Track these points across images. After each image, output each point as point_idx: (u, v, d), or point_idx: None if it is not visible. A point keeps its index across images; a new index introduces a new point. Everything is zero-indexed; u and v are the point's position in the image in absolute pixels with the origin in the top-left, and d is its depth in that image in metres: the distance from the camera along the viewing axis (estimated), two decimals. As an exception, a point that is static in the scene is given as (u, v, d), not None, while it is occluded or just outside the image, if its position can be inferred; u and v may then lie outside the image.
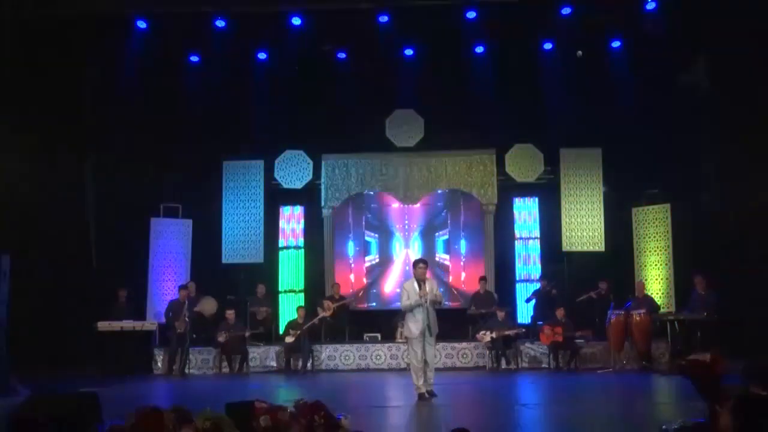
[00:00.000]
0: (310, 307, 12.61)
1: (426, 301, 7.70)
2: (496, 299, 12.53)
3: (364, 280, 13.67)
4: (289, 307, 13.44)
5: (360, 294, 13.78)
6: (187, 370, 11.51)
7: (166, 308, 11.95)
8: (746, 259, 11.01)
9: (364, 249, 14.00)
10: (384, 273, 13.94)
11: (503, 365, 11.55)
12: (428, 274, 8.16)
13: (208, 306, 12.26)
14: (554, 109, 12.66)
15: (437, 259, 13.87)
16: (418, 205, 13.80)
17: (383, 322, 13.13)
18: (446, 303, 13.75)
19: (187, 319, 11.43)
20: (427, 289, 7.79)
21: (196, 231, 13.26)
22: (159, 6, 11.38)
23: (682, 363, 4.79)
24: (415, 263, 8.11)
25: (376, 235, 14.03)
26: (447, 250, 13.92)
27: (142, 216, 12.86)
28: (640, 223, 12.91)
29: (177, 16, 11.62)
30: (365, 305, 13.83)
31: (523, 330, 11.97)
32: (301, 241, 13.91)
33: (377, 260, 13.99)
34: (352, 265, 13.93)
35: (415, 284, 7.82)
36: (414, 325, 7.78)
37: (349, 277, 13.84)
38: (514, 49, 12.77)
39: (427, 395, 7.73)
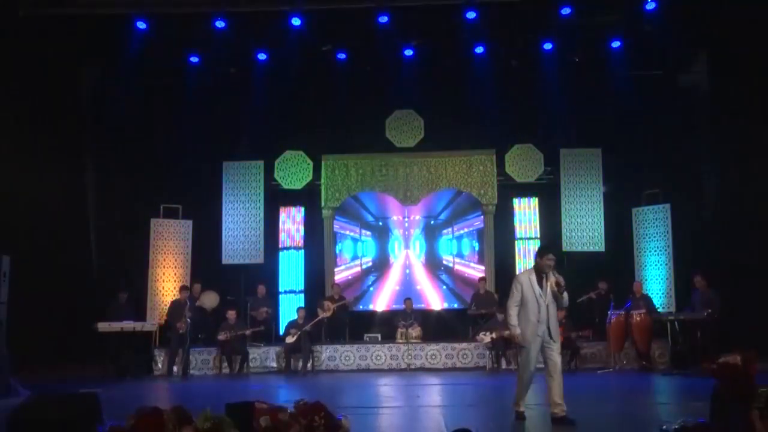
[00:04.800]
0: (310, 308, 12.62)
1: (545, 300, 6.22)
2: (496, 299, 12.53)
3: (335, 278, 13.59)
4: (290, 308, 13.44)
5: (357, 297, 13.80)
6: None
7: (168, 308, 11.95)
8: (746, 259, 11.00)
9: (361, 249, 14.03)
10: (383, 274, 13.94)
11: (503, 365, 11.55)
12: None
13: (208, 300, 12.30)
14: (554, 109, 12.66)
15: (444, 261, 13.90)
16: (418, 205, 13.80)
17: (384, 323, 13.15)
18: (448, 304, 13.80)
19: (188, 319, 11.43)
20: (550, 284, 6.26)
21: (196, 232, 13.26)
22: (159, 6, 11.37)
23: (714, 367, 4.75)
24: (542, 251, 6.47)
25: (376, 236, 14.04)
26: (447, 250, 13.93)
27: (142, 217, 12.87)
28: (640, 223, 12.91)
29: (177, 16, 11.62)
30: (366, 307, 13.84)
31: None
32: (301, 241, 13.91)
33: (370, 263, 14.00)
34: (343, 266, 13.95)
35: (533, 277, 6.30)
36: (527, 328, 6.21)
37: (347, 278, 13.86)
38: (513, 50, 12.78)
39: (560, 420, 6.03)
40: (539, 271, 6.31)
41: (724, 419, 4.57)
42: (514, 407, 6.37)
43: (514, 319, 6.30)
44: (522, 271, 6.44)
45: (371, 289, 13.92)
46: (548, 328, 6.17)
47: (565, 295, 6.30)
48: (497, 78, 12.70)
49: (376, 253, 14.02)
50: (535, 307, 6.17)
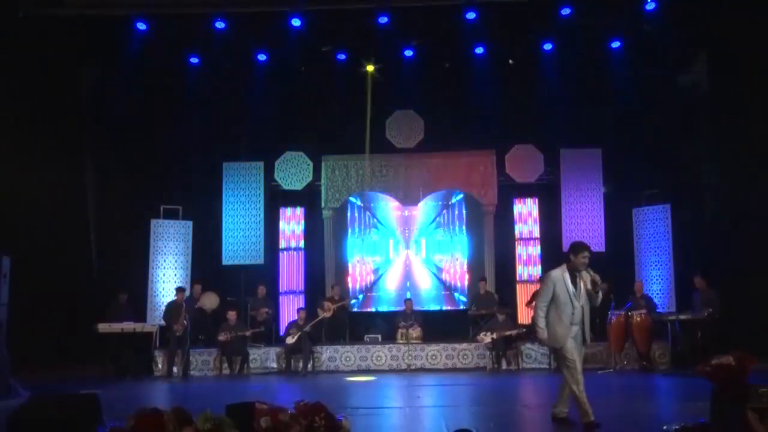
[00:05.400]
0: (310, 309, 12.61)
1: (579, 300, 5.84)
2: (496, 300, 12.54)
3: (348, 280, 13.66)
4: (290, 309, 13.44)
5: (358, 298, 13.81)
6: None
7: (165, 310, 11.95)
8: (746, 259, 11.00)
9: (361, 250, 14.04)
10: (383, 275, 13.93)
11: (504, 366, 11.55)
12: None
13: (208, 301, 12.29)
14: (554, 109, 12.65)
15: (437, 259, 13.90)
16: (418, 205, 13.80)
17: (384, 323, 13.14)
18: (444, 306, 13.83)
19: (186, 321, 11.44)
20: (584, 283, 5.89)
21: (196, 232, 13.26)
22: (159, 8, 11.36)
23: (707, 368, 4.77)
24: (577, 248, 5.96)
25: (376, 237, 14.04)
26: (446, 251, 13.92)
27: (143, 218, 12.86)
28: (641, 223, 12.90)
29: (177, 17, 11.61)
30: (367, 307, 13.85)
31: (524, 331, 11.95)
32: (301, 242, 13.91)
33: (378, 261, 14.00)
34: (350, 267, 13.95)
35: (567, 275, 5.86)
36: (561, 330, 5.78)
37: (348, 279, 13.86)
38: (514, 50, 12.77)
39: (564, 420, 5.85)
40: (573, 269, 5.89)
41: (725, 420, 4.58)
42: (583, 420, 5.72)
43: (542, 321, 5.83)
44: (554, 269, 6.00)
45: (372, 289, 13.92)
46: (582, 330, 5.86)
47: (599, 293, 5.95)
48: (497, 78, 12.69)
49: (376, 254, 14.01)
50: (569, 308, 5.78)
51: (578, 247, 5.98)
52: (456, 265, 13.87)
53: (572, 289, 5.81)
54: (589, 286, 5.85)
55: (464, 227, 13.92)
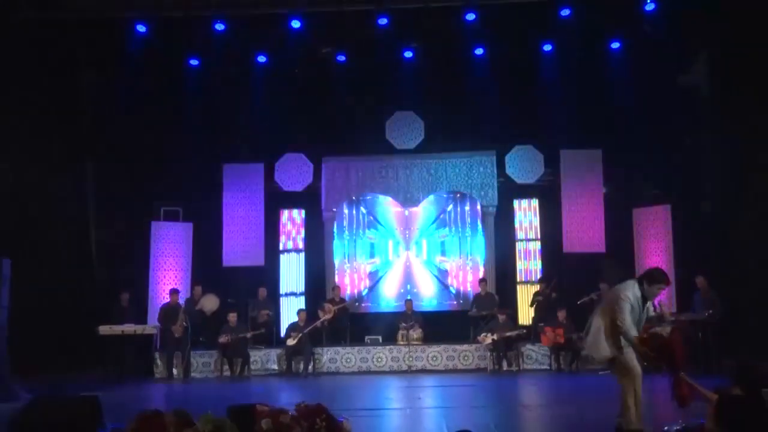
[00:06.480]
0: (311, 310, 12.61)
1: (640, 327, 5.46)
2: (497, 301, 12.53)
3: (335, 281, 13.63)
4: (290, 310, 13.43)
5: (358, 299, 13.80)
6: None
7: (159, 313, 11.93)
8: (747, 260, 10.98)
9: (361, 251, 14.03)
10: (384, 276, 13.92)
11: (504, 367, 11.54)
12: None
13: (209, 303, 12.27)
14: (554, 109, 12.65)
15: (438, 260, 13.89)
16: (418, 207, 13.79)
17: (384, 325, 13.13)
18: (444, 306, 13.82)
19: (185, 323, 11.43)
20: (647, 312, 5.54)
21: (196, 234, 13.25)
22: (159, 10, 11.37)
23: (644, 336, 5.02)
24: (654, 278, 5.44)
25: (376, 238, 14.03)
26: (447, 252, 13.91)
27: (143, 219, 12.86)
28: (641, 223, 12.89)
29: (176, 19, 11.63)
30: (367, 309, 13.84)
31: (524, 332, 11.96)
32: (301, 243, 13.90)
33: (378, 262, 13.99)
34: (350, 268, 13.93)
35: (640, 299, 5.43)
36: (632, 352, 5.40)
37: (348, 280, 13.84)
38: (513, 51, 12.78)
39: None
40: (643, 296, 5.44)
41: (726, 419, 4.64)
42: (630, 427, 5.47)
43: (633, 330, 5.34)
44: (628, 287, 5.47)
45: (372, 290, 13.91)
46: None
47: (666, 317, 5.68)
48: (497, 79, 12.70)
49: (376, 255, 14.00)
50: (633, 332, 5.33)
51: (657, 276, 5.47)
52: (466, 271, 13.74)
53: (638, 316, 5.45)
54: (651, 313, 5.54)
55: (479, 223, 13.74)
